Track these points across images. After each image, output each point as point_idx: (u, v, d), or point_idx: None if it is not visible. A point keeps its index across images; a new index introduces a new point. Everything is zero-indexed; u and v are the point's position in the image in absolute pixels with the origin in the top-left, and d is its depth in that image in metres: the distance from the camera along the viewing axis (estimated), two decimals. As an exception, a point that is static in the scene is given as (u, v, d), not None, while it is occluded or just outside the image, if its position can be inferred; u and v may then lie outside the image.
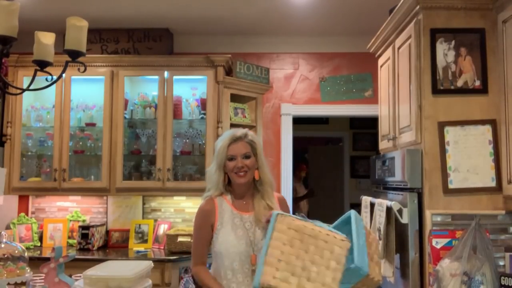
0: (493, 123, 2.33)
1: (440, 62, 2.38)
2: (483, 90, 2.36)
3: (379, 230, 2.58)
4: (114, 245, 3.93)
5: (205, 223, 2.10)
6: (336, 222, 1.84)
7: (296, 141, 4.36)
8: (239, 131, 2.14)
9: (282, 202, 2.21)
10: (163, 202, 4.08)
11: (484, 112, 2.35)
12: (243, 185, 2.11)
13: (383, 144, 3.11)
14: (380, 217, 2.57)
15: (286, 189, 4.14)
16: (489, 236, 2.22)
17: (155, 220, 4.00)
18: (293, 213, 1.93)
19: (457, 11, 2.40)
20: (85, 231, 3.74)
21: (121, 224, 4.01)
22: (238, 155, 2.08)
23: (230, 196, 2.15)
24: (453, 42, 2.38)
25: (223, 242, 2.05)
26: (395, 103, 2.82)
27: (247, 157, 2.09)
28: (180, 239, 3.58)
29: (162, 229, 3.89)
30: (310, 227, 1.61)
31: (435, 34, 2.38)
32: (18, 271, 2.10)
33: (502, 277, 2.15)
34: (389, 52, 2.96)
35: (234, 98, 3.91)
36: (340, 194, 7.06)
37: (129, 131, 4.00)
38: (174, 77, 3.80)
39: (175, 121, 3.82)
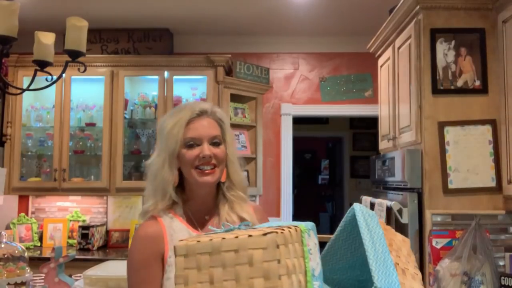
0: (493, 123, 2.33)
1: (440, 62, 2.38)
2: (483, 90, 2.36)
3: (379, 230, 2.58)
4: (114, 245, 3.93)
5: (153, 256, 1.29)
6: (340, 227, 1.21)
7: (296, 141, 4.37)
8: (204, 103, 1.41)
9: (259, 213, 1.48)
10: (163, 202, 4.07)
11: (484, 112, 2.35)
12: (207, 188, 1.35)
13: (383, 144, 3.11)
14: (380, 217, 2.57)
15: (286, 189, 4.14)
16: (489, 236, 2.22)
17: (155, 220, 3.99)
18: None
19: (457, 11, 2.40)
20: (85, 231, 3.74)
21: (121, 224, 4.01)
22: (204, 139, 1.32)
23: (180, 210, 1.36)
24: (453, 42, 2.38)
25: None
26: (395, 103, 2.82)
27: (216, 143, 1.33)
28: (180, 239, 3.58)
29: (162, 229, 3.88)
30: (214, 239, 0.97)
31: (435, 34, 2.38)
32: (18, 271, 2.09)
33: (502, 277, 2.16)
34: (389, 52, 2.96)
35: (234, 98, 3.91)
36: (340, 194, 7.06)
37: (129, 131, 4.00)
38: (174, 77, 3.79)
39: (175, 121, 3.81)
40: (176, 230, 1.31)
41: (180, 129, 1.31)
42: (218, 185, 1.38)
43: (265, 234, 0.93)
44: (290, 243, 0.95)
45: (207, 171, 1.31)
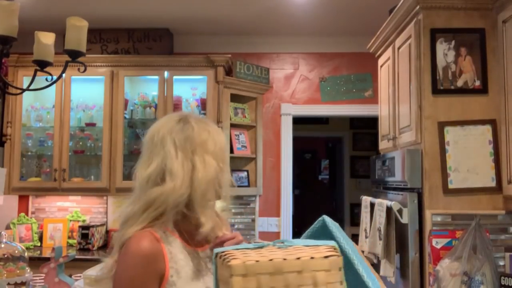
0: (493, 123, 2.33)
1: (440, 62, 2.38)
2: (483, 90, 2.36)
3: (379, 230, 2.58)
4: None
5: (153, 276, 1.18)
6: (305, 236, 1.31)
7: (296, 141, 4.36)
8: None
9: (227, 224, 1.45)
10: (163, 202, 4.07)
11: (484, 112, 2.35)
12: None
13: (383, 144, 3.11)
14: (380, 217, 2.57)
15: (286, 189, 4.14)
16: (489, 236, 2.22)
17: (155, 220, 3.99)
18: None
19: (457, 11, 2.40)
20: (85, 231, 3.74)
21: (121, 224, 4.00)
22: None
23: (170, 224, 1.24)
24: (453, 42, 2.38)
25: None
26: (395, 103, 2.82)
27: None
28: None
29: (162, 229, 3.88)
30: (274, 259, 1.00)
31: (435, 34, 2.38)
32: (18, 271, 2.10)
33: (502, 277, 2.16)
34: (389, 52, 2.96)
35: (234, 98, 3.91)
36: (340, 194, 7.06)
37: (129, 131, 4.00)
38: (174, 77, 3.80)
39: (175, 121, 3.81)
40: (173, 245, 1.23)
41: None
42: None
43: (326, 257, 1.01)
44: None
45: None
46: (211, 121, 1.38)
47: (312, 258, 1.00)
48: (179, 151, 1.25)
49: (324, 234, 1.26)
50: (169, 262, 1.20)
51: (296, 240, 1.12)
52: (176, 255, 1.23)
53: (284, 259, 0.99)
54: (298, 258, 1.00)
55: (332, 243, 1.09)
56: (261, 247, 1.07)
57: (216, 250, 1.07)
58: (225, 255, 1.02)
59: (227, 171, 1.32)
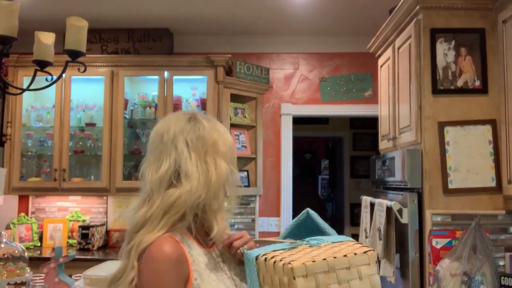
0: (493, 123, 2.33)
1: (440, 62, 2.38)
2: (483, 90, 2.36)
3: (379, 230, 2.58)
4: (114, 245, 3.93)
5: (180, 281, 1.15)
6: (289, 229, 1.37)
7: (296, 141, 4.36)
8: None
9: None
10: (163, 202, 4.07)
11: (484, 112, 2.35)
12: None
13: (383, 144, 3.11)
14: (380, 217, 2.57)
15: (286, 190, 4.14)
16: (489, 236, 2.22)
17: (155, 220, 3.99)
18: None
19: (457, 11, 2.40)
20: (85, 231, 3.74)
21: (121, 224, 4.00)
22: None
23: (183, 227, 1.22)
24: (453, 42, 2.38)
25: None
26: (395, 103, 2.82)
27: None
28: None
29: (162, 229, 3.88)
30: (327, 258, 1.08)
31: (435, 34, 2.38)
32: (18, 271, 2.10)
33: (502, 277, 2.16)
34: (389, 52, 2.96)
35: (234, 98, 3.91)
36: (340, 194, 7.05)
37: (129, 131, 4.00)
38: (174, 77, 3.80)
39: (175, 121, 3.81)
40: (192, 247, 1.21)
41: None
42: None
43: (365, 252, 1.13)
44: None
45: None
46: (217, 120, 1.35)
47: (355, 254, 1.12)
48: (192, 151, 1.22)
49: (310, 226, 1.34)
50: (192, 265, 1.17)
51: (320, 238, 1.20)
52: (197, 258, 1.20)
53: (334, 257, 1.09)
54: (345, 256, 1.10)
55: (348, 238, 1.23)
56: (295, 247, 1.15)
57: (252, 253, 1.11)
58: (272, 257, 1.09)
59: (236, 171, 1.29)
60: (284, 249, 1.13)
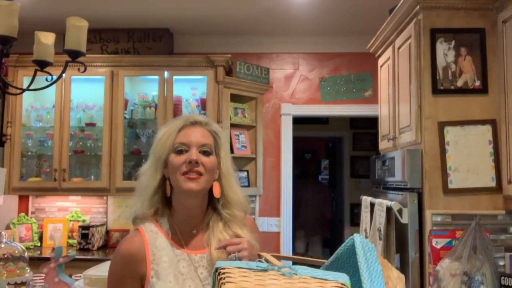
0: (493, 123, 2.32)
1: (440, 62, 2.38)
2: (483, 90, 2.36)
3: (379, 230, 2.58)
4: (114, 245, 3.93)
5: (129, 275, 1.27)
6: (336, 254, 1.19)
7: (296, 141, 4.36)
8: (202, 116, 1.39)
9: (251, 226, 1.41)
10: (163, 202, 4.07)
11: (484, 112, 2.35)
12: (193, 196, 1.29)
13: (383, 144, 3.11)
14: (380, 217, 2.57)
15: (286, 190, 4.14)
16: (489, 236, 2.22)
17: (155, 220, 3.99)
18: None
19: (457, 11, 2.40)
20: (85, 231, 3.74)
21: (121, 224, 4.00)
22: (193, 145, 1.28)
23: (166, 222, 1.33)
24: (453, 42, 2.38)
25: None
26: (395, 103, 2.82)
27: (206, 152, 1.30)
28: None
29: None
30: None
31: (435, 34, 2.38)
32: (18, 271, 2.09)
33: (502, 277, 2.16)
34: (389, 52, 2.96)
35: (234, 98, 3.91)
36: (340, 194, 7.05)
37: (129, 131, 4.00)
38: (174, 77, 3.80)
39: (175, 121, 3.81)
40: (160, 248, 1.28)
41: (171, 135, 1.30)
42: (211, 200, 1.34)
43: None
44: None
45: (191, 177, 1.25)
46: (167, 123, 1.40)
47: None
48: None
49: (354, 254, 1.12)
50: (150, 264, 1.26)
51: (305, 269, 1.02)
52: (161, 255, 1.28)
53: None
54: None
55: (343, 278, 1.00)
56: (265, 271, 1.00)
57: (218, 263, 1.03)
58: (223, 273, 0.98)
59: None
60: (251, 269, 1.00)
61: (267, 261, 1.11)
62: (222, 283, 0.95)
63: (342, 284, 0.97)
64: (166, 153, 1.29)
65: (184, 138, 1.29)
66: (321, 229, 6.67)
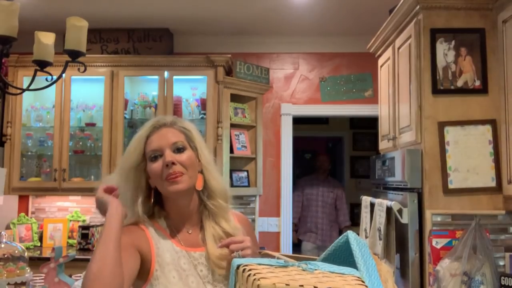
0: (493, 123, 2.33)
1: (440, 62, 2.38)
2: (483, 90, 2.36)
3: (379, 230, 2.58)
4: (114, 245, 3.92)
5: (132, 242, 1.24)
6: (328, 251, 1.22)
7: (296, 141, 4.36)
8: (166, 117, 1.38)
9: (245, 224, 1.43)
10: (163, 202, 4.07)
11: (484, 112, 2.35)
12: (182, 197, 1.31)
13: (383, 144, 3.11)
14: (380, 217, 2.57)
15: (286, 190, 4.14)
16: (489, 236, 2.22)
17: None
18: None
19: (457, 11, 2.40)
20: (85, 231, 3.74)
21: (121, 224, 4.00)
22: (165, 147, 1.28)
23: (163, 223, 1.34)
24: (453, 42, 2.38)
25: None
26: (395, 103, 2.82)
27: (179, 149, 1.30)
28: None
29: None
30: (305, 285, 0.96)
31: (435, 34, 2.38)
32: (18, 271, 2.10)
33: (502, 277, 2.16)
34: (389, 52, 2.96)
35: (234, 98, 3.90)
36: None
37: (129, 131, 3.99)
38: (174, 77, 3.79)
39: (175, 121, 3.81)
40: (162, 242, 1.29)
41: (139, 145, 1.31)
42: (199, 195, 1.35)
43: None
44: None
45: (174, 179, 1.25)
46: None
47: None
48: None
49: (347, 250, 1.18)
50: (155, 256, 1.26)
51: (321, 264, 1.06)
52: (163, 251, 1.27)
53: (315, 287, 0.94)
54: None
55: (356, 272, 1.05)
56: (285, 266, 1.03)
57: (237, 261, 1.04)
58: (249, 270, 1.00)
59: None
60: (272, 265, 1.03)
61: (275, 258, 1.13)
62: (255, 278, 0.96)
63: (359, 278, 1.02)
64: (139, 163, 1.31)
65: (154, 144, 1.29)
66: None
